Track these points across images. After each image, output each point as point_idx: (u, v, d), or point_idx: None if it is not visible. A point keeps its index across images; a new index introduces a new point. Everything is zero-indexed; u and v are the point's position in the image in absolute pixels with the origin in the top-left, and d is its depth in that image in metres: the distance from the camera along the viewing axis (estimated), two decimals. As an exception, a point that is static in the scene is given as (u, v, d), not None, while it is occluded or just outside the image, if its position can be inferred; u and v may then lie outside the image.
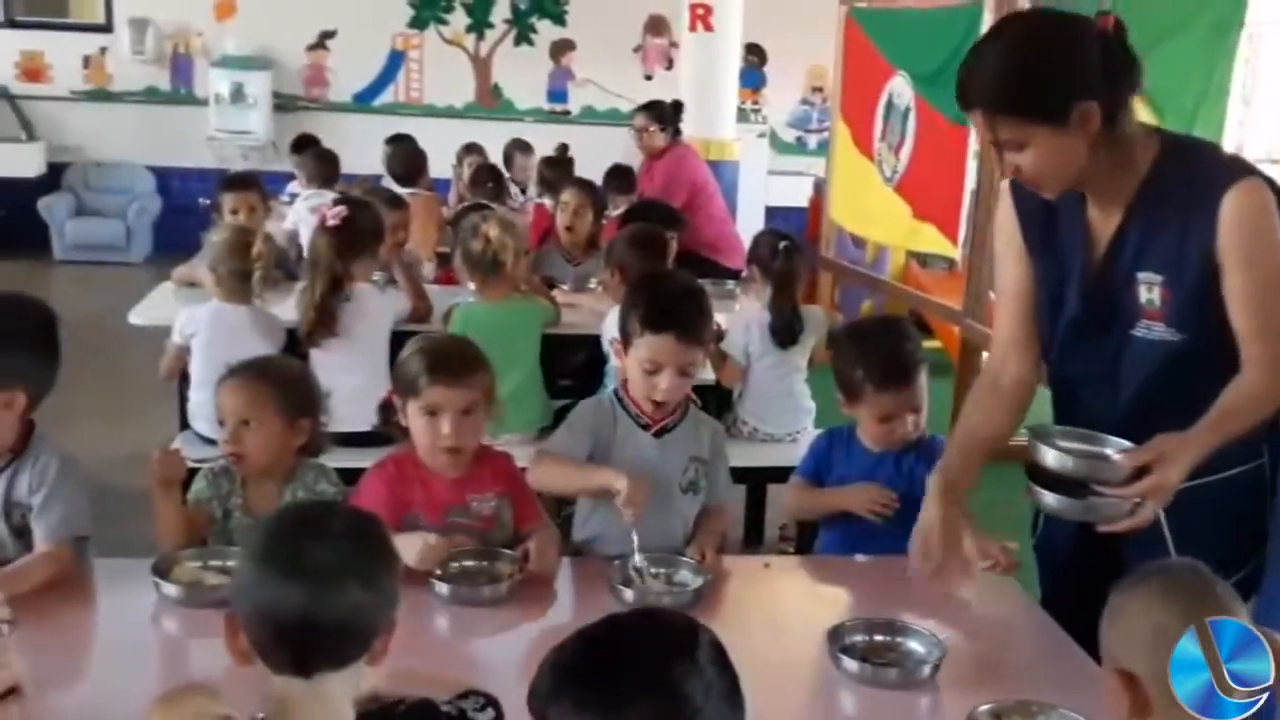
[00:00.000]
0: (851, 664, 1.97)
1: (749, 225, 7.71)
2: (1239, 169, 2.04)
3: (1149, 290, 2.06)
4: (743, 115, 8.92)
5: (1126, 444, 2.02)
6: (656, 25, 9.90)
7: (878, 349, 2.67)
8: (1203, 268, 2.00)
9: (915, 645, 2.05)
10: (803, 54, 9.77)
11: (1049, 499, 2.06)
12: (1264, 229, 1.99)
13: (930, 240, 5.92)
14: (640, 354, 2.45)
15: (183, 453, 2.48)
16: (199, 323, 3.72)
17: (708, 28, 8.01)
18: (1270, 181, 2.03)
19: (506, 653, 2.20)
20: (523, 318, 3.91)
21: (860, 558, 2.59)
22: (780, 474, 3.94)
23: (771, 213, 9.03)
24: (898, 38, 6.23)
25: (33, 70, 9.31)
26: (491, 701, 1.55)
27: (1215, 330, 2.02)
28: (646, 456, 2.50)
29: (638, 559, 2.31)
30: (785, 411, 3.92)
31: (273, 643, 1.41)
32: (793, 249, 3.91)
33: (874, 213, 6.46)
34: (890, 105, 6.18)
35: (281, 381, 2.49)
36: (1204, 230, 1.99)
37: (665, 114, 6.63)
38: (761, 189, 9.02)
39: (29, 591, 2.14)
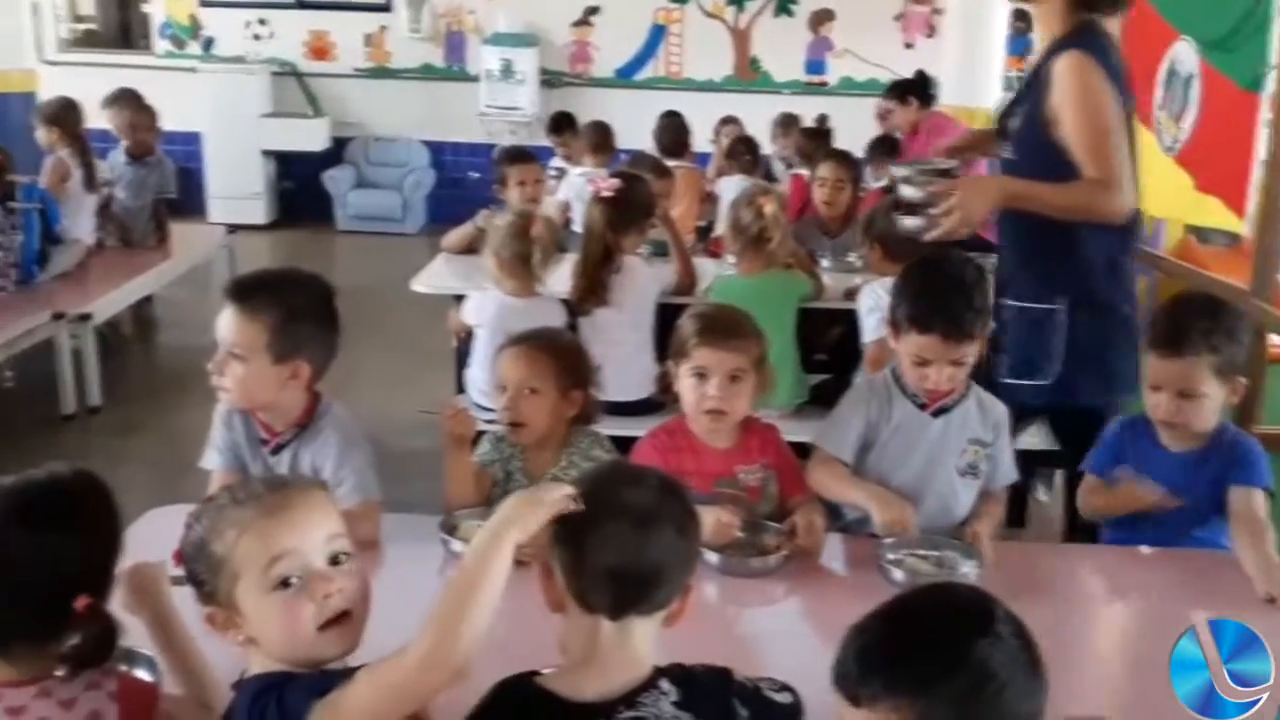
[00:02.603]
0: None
1: (1014, 198, 7.48)
2: (1077, 43, 2.73)
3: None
4: (1008, 83, 8.62)
5: None
6: (919, -8, 9.69)
7: (1167, 314, 2.54)
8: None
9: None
10: (1074, 19, 9.36)
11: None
12: (1076, 87, 2.70)
13: (1214, 214, 5.59)
14: (908, 348, 2.43)
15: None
16: (485, 314, 3.84)
17: (975, -7, 7.81)
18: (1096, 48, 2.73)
19: (773, 625, 2.23)
20: (779, 292, 3.90)
21: (1145, 549, 2.48)
22: (1046, 457, 3.84)
23: (1037, 184, 8.72)
24: (1181, 1, 5.90)
25: (319, 49, 9.85)
26: (789, 687, 1.58)
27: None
28: (922, 436, 2.49)
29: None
30: (1055, 392, 3.79)
31: (590, 583, 1.49)
32: None
33: (1151, 184, 6.13)
34: (1172, 72, 5.86)
35: (559, 353, 2.56)
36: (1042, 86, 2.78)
37: (908, 89, 6.52)
38: (1027, 159, 8.72)
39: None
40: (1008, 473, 2.58)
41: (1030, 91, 2.85)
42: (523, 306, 3.82)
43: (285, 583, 1.45)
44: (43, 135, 5.84)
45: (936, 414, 2.50)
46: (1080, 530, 2.81)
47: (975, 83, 7.84)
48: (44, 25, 9.56)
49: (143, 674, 1.74)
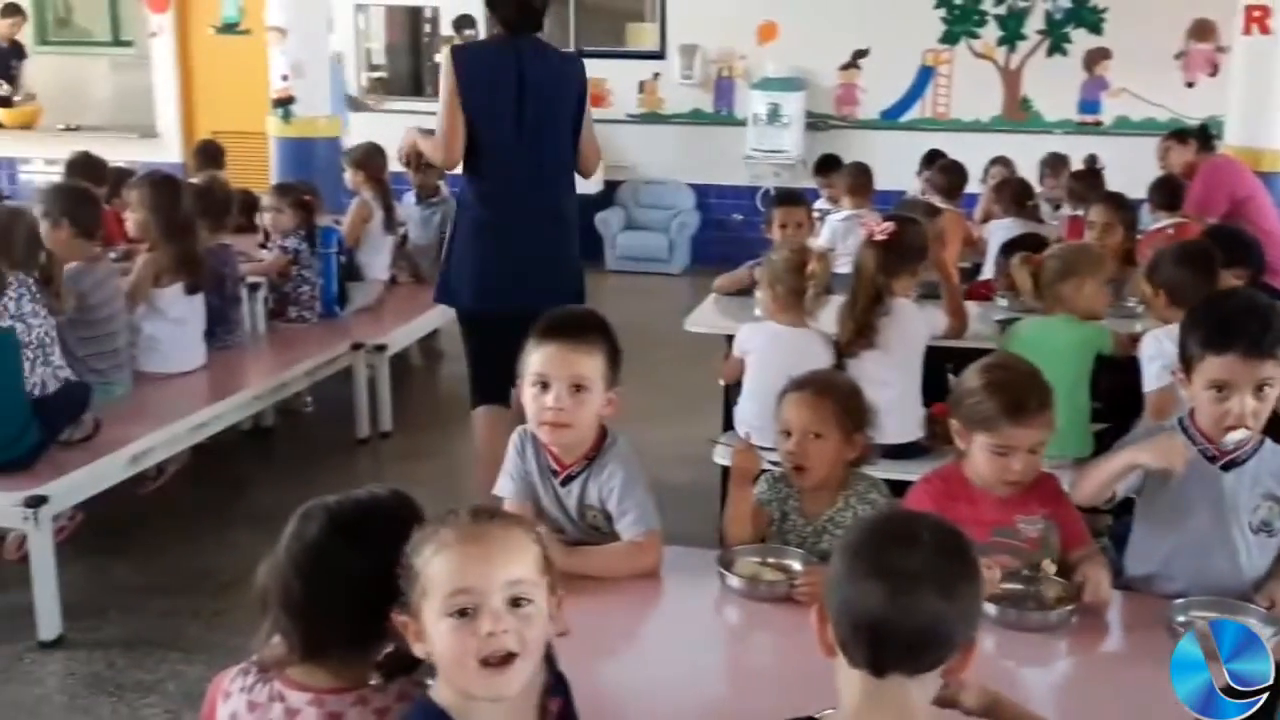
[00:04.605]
0: None
1: (1304, 242, 7.06)
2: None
3: None
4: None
5: None
6: (1201, 30, 9.25)
7: None
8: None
9: None
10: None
11: None
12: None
13: None
14: (1204, 377, 2.36)
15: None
16: (754, 343, 3.93)
17: (1264, 30, 7.44)
18: None
19: (1053, 683, 2.19)
20: (1078, 340, 3.78)
21: None
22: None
23: (1330, 229, 8.19)
24: None
25: (596, 96, 10.02)
26: None
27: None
28: (1210, 489, 2.40)
29: None
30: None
31: (852, 638, 1.48)
32: None
33: None
34: None
35: (842, 397, 2.61)
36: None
37: (1187, 129, 6.30)
38: (1318, 202, 8.21)
39: (618, 575, 2.40)
40: None
41: None
42: (791, 337, 3.88)
43: (462, 612, 1.49)
44: (349, 178, 6.31)
45: (1226, 467, 2.40)
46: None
47: (1263, 122, 7.45)
48: (347, 74, 10.29)
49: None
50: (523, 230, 4.08)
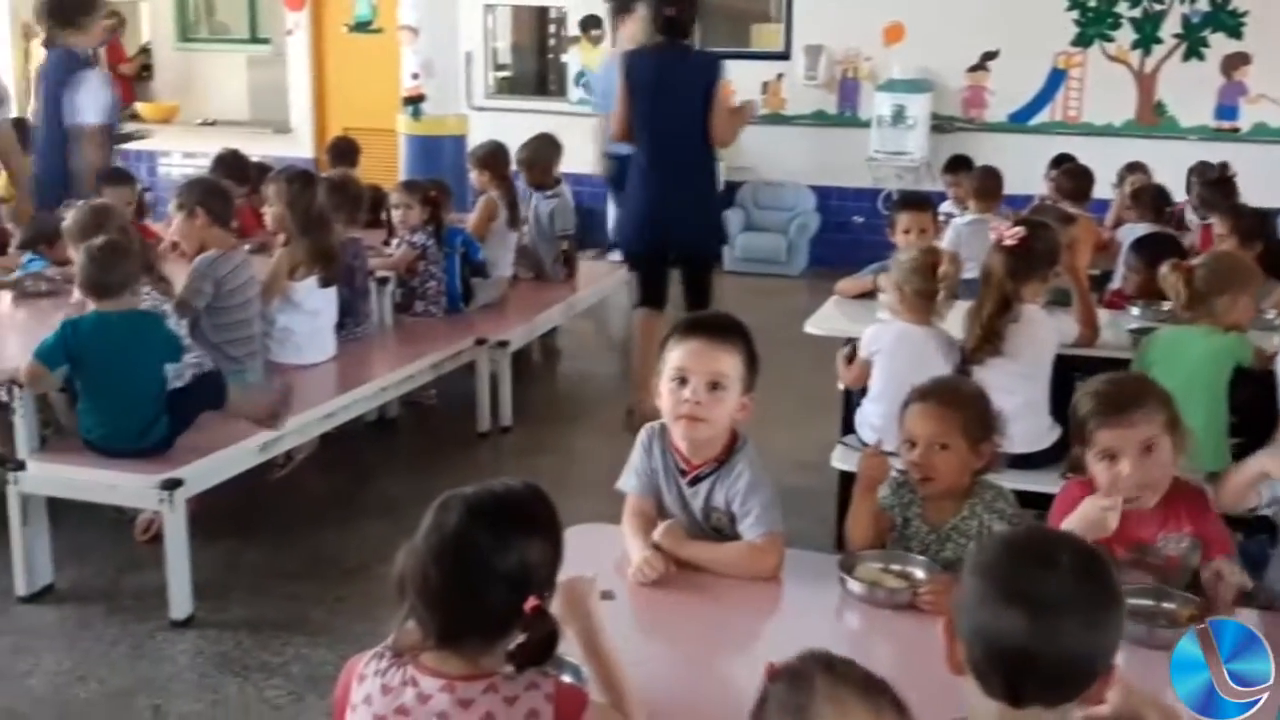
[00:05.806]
0: None
1: None
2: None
3: None
4: None
5: None
6: (1349, 34, 8.91)
7: None
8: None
9: None
10: None
11: None
12: None
13: None
14: None
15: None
16: (883, 341, 3.90)
17: None
18: None
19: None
20: (1215, 350, 3.68)
21: None
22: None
23: None
24: None
25: (718, 96, 10.20)
26: None
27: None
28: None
29: None
30: None
31: (988, 666, 1.43)
32: None
33: None
34: None
35: (968, 406, 2.57)
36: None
37: None
38: None
39: (737, 575, 2.42)
40: None
41: None
42: (919, 335, 3.84)
43: None
44: (475, 177, 6.40)
45: None
46: None
47: None
48: (475, 74, 10.44)
49: (568, 679, 1.86)
50: (661, 191, 5.41)
